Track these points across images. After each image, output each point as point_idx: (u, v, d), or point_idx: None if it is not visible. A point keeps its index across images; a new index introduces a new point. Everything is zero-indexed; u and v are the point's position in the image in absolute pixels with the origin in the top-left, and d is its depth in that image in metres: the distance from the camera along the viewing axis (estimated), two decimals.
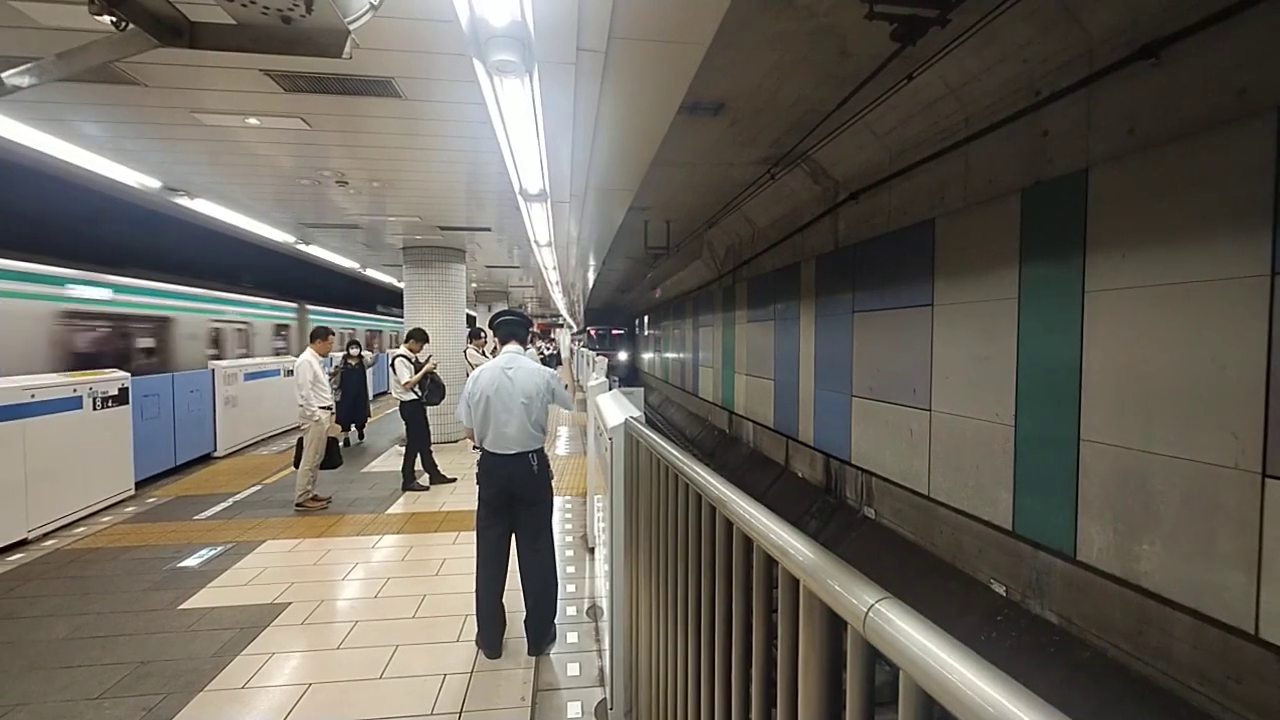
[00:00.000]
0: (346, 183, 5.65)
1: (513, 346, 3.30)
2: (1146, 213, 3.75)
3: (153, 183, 5.50)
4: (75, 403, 5.27)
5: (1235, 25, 3.22)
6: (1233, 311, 3.30)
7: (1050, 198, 4.44)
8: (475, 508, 3.18)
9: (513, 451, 3.06)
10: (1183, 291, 3.56)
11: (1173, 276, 3.61)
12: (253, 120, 4.07)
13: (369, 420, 8.93)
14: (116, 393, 5.80)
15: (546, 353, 21.67)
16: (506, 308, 3.37)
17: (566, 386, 3.34)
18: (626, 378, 31.49)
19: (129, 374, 6.08)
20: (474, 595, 3.15)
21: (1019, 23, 4.28)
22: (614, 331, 35.73)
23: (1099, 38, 3.98)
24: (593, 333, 36.01)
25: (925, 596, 5.30)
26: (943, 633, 0.64)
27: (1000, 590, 4.89)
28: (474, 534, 3.18)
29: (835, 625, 0.85)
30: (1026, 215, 4.66)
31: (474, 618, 3.19)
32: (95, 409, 5.50)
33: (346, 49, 1.68)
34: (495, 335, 3.46)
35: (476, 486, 3.16)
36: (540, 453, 3.18)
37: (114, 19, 1.62)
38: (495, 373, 3.13)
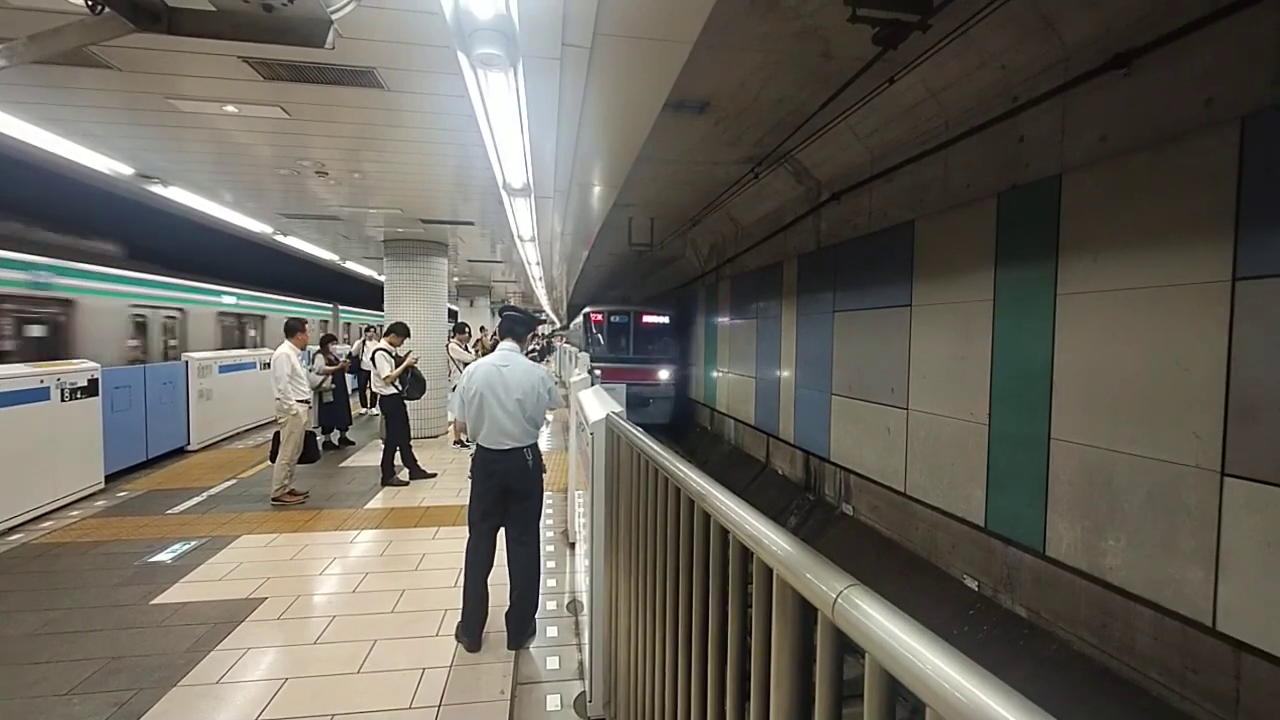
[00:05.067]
0: (326, 173, 5.58)
1: (508, 344, 3.30)
2: (1117, 218, 3.86)
3: (124, 169, 5.37)
4: (43, 393, 5.13)
5: (1204, 38, 3.32)
6: (1196, 315, 3.41)
7: (1025, 202, 4.54)
8: (454, 503, 3.18)
9: (507, 447, 3.08)
10: (1150, 295, 3.67)
11: (1141, 281, 3.72)
12: (230, 108, 4.00)
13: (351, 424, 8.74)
14: (86, 384, 5.66)
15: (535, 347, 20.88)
16: (513, 304, 3.43)
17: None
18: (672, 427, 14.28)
19: (99, 365, 5.95)
20: (461, 589, 3.17)
21: (998, 30, 4.36)
22: (645, 318, 15.18)
23: (1074, 46, 4.08)
24: (597, 319, 15.35)
25: (900, 591, 5.40)
26: (908, 618, 0.67)
27: (973, 585, 5.01)
28: (454, 529, 3.19)
29: (806, 613, 0.88)
30: (1002, 218, 4.76)
31: (453, 612, 3.19)
32: (64, 400, 5.36)
33: (329, 39, 1.67)
34: (498, 329, 3.49)
35: (469, 480, 3.17)
36: (534, 448, 3.20)
37: (89, 2, 1.59)
38: (489, 369, 3.14)
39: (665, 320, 15.08)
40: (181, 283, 9.27)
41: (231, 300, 10.60)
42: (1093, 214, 4.03)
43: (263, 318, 9.86)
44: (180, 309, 9.22)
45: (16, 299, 6.47)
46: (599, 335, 15.05)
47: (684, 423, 14.40)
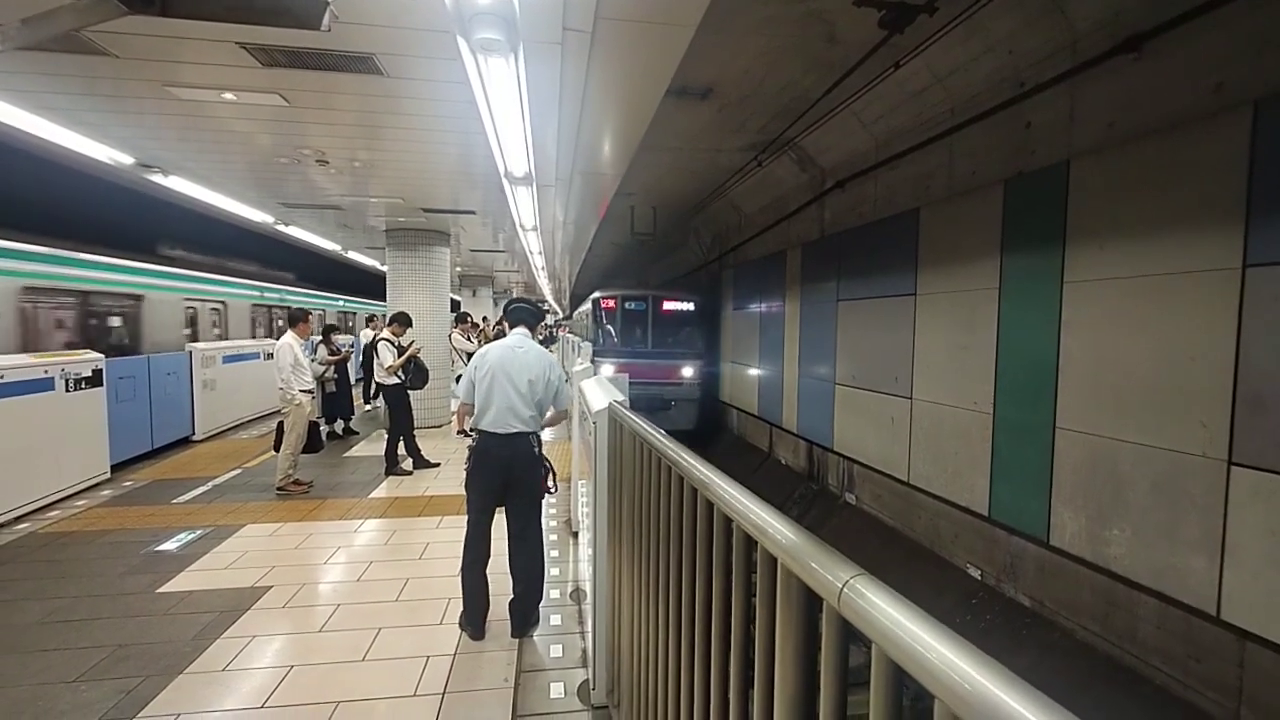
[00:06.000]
0: (327, 162, 5.54)
1: (522, 330, 3.35)
2: (1124, 205, 3.81)
3: (125, 158, 5.34)
4: (47, 384, 5.15)
5: (1215, 20, 3.26)
6: (1205, 303, 3.37)
7: (1032, 189, 4.48)
8: (458, 493, 3.18)
9: (514, 430, 3.07)
10: (1157, 283, 3.63)
11: (1148, 268, 3.67)
12: (229, 95, 3.97)
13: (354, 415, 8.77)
14: (90, 374, 5.67)
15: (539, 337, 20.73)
16: (522, 296, 3.76)
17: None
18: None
19: (103, 355, 5.96)
20: (460, 577, 3.16)
21: (1006, 13, 4.29)
22: (667, 304, 12.65)
23: (1083, 30, 4.00)
24: (608, 305, 12.79)
25: (903, 580, 5.40)
26: (915, 607, 0.66)
27: (975, 574, 5.01)
28: (458, 518, 3.18)
29: (811, 603, 0.86)
30: (1009, 206, 4.70)
31: (457, 601, 3.20)
32: (68, 390, 5.38)
33: (325, 21, 1.64)
34: (507, 319, 3.53)
35: (466, 469, 3.15)
36: (539, 436, 3.20)
37: None
38: (504, 349, 3.17)
39: (690, 307, 12.62)
40: (345, 298, 17.65)
41: (358, 306, 18.51)
42: (1100, 201, 3.98)
43: (371, 316, 15.07)
44: (351, 312, 17.93)
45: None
46: (610, 326, 12.62)
47: (712, 427, 12.38)
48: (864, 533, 6.49)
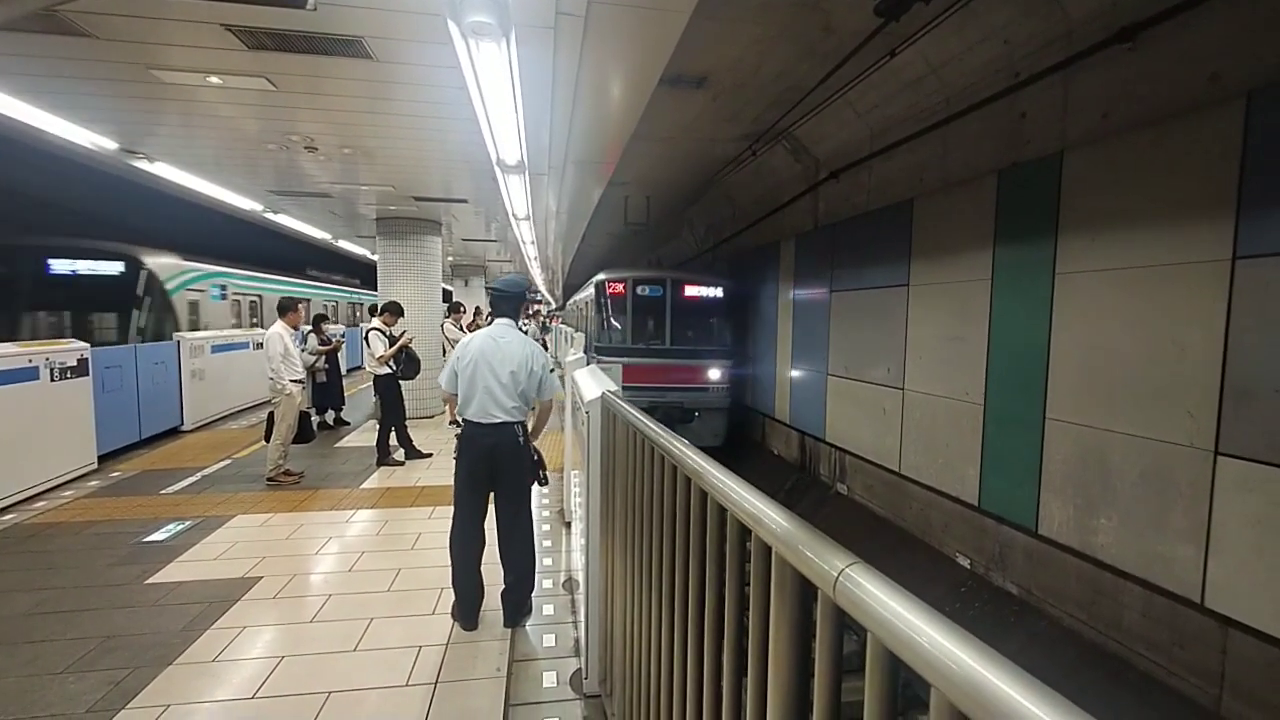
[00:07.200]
0: (316, 148, 5.46)
1: (504, 320, 3.29)
2: (1117, 196, 3.82)
3: (108, 144, 5.24)
4: (32, 373, 5.07)
5: (1211, 10, 3.25)
6: (1195, 295, 3.39)
7: (1026, 180, 4.48)
8: (449, 483, 3.15)
9: (498, 420, 3.05)
10: (1149, 274, 3.64)
11: (1140, 260, 3.69)
12: (214, 79, 3.89)
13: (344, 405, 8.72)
14: (75, 363, 5.59)
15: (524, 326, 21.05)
16: (502, 279, 3.54)
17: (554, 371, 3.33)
18: None
19: (88, 344, 5.88)
20: (450, 569, 3.15)
21: (1002, 3, 4.26)
22: (688, 290, 10.03)
23: (1078, 20, 3.99)
24: (615, 290, 9.99)
25: (893, 569, 5.42)
26: (911, 596, 0.65)
27: (965, 563, 5.06)
28: (450, 509, 3.16)
29: (806, 592, 0.86)
30: (1002, 197, 4.70)
31: (449, 590, 3.19)
32: (53, 380, 5.30)
33: (311, 0, 1.59)
34: (491, 307, 3.46)
35: (455, 459, 3.13)
36: (524, 425, 3.17)
37: None
38: (485, 340, 3.14)
39: (717, 294, 10.23)
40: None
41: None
42: (1093, 192, 3.98)
43: (373, 307, 20.09)
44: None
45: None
46: (617, 317, 10.13)
47: (743, 443, 10.27)
48: (855, 522, 6.53)
